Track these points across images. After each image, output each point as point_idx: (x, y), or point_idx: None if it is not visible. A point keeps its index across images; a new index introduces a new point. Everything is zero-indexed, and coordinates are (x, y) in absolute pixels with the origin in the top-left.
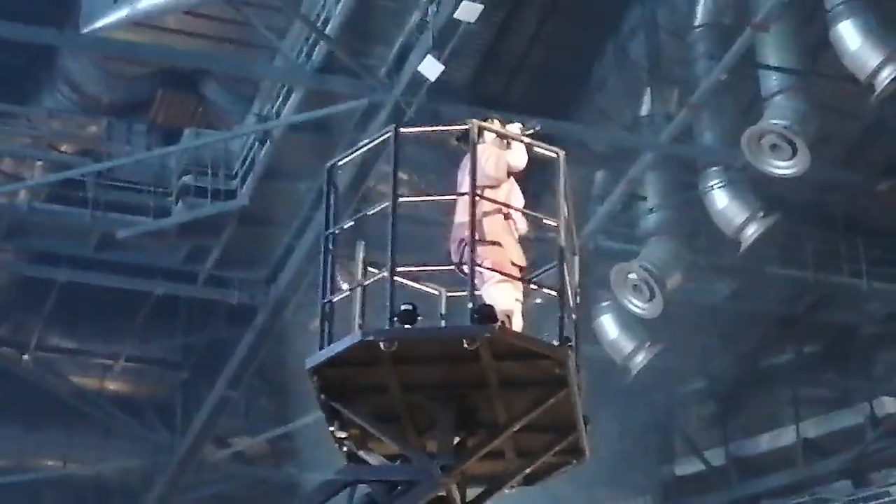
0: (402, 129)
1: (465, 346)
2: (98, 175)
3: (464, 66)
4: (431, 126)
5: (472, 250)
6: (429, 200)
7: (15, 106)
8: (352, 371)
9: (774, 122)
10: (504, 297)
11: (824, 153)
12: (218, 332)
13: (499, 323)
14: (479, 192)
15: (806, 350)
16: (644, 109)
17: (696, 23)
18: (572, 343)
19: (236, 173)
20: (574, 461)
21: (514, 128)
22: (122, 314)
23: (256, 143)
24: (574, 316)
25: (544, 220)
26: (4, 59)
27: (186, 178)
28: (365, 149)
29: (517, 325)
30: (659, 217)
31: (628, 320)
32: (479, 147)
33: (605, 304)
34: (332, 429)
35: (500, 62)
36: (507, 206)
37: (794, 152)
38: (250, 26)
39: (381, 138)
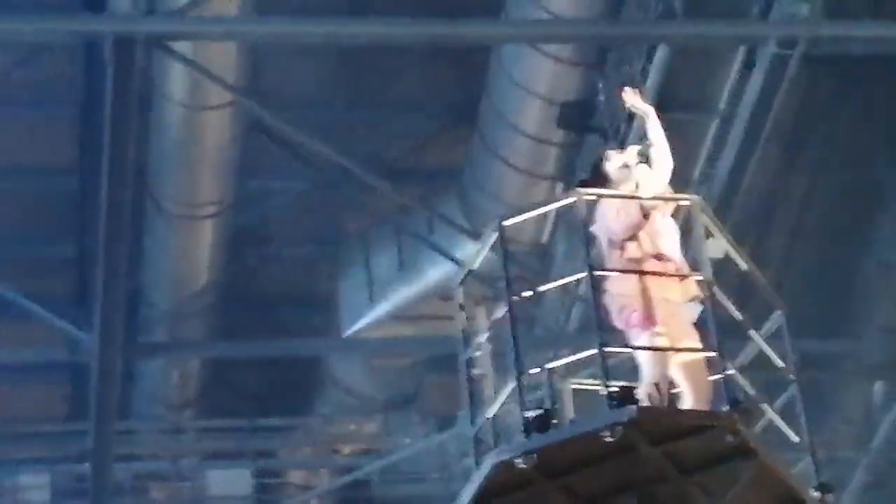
0: (505, 223)
1: (607, 439)
2: (382, 472)
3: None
4: (536, 209)
5: (600, 333)
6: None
7: (293, 418)
8: (518, 498)
9: None
10: (651, 363)
11: None
12: None
13: (638, 403)
14: (616, 246)
15: None
16: None
17: None
18: (744, 404)
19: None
20: None
21: (632, 152)
22: None
23: None
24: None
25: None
26: (277, 375)
27: (467, 461)
28: (473, 265)
29: (693, 382)
30: None
31: None
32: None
33: None
34: None
35: (755, 290)
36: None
37: None
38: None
39: (490, 241)
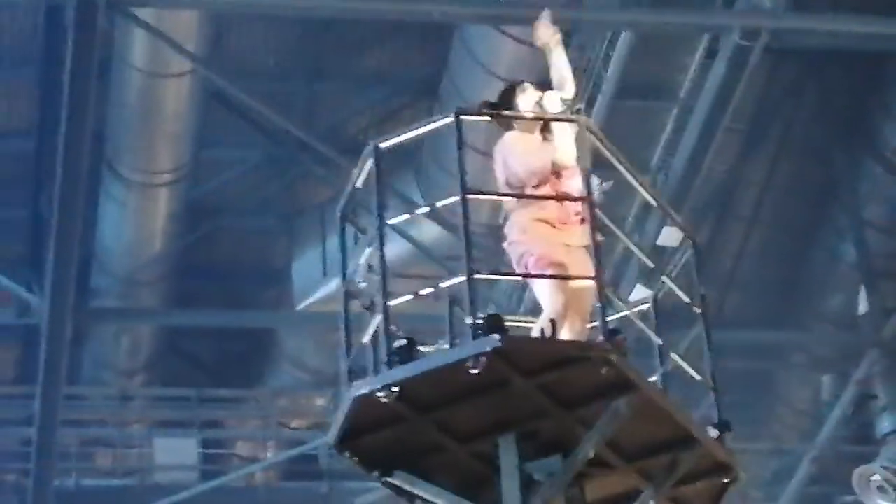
0: (381, 145)
1: (470, 370)
2: (330, 447)
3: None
4: (412, 131)
5: (469, 259)
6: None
7: (242, 390)
8: (389, 434)
9: None
10: (549, 298)
11: None
12: None
13: (503, 332)
14: (518, 191)
15: None
16: (861, 308)
17: None
18: (622, 335)
19: None
20: (727, 481)
21: (554, 97)
22: None
23: None
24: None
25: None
26: (227, 346)
27: None
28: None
29: (574, 316)
30: (894, 414)
31: None
32: (508, 136)
33: None
34: None
35: (709, 279)
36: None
37: None
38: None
39: (367, 165)
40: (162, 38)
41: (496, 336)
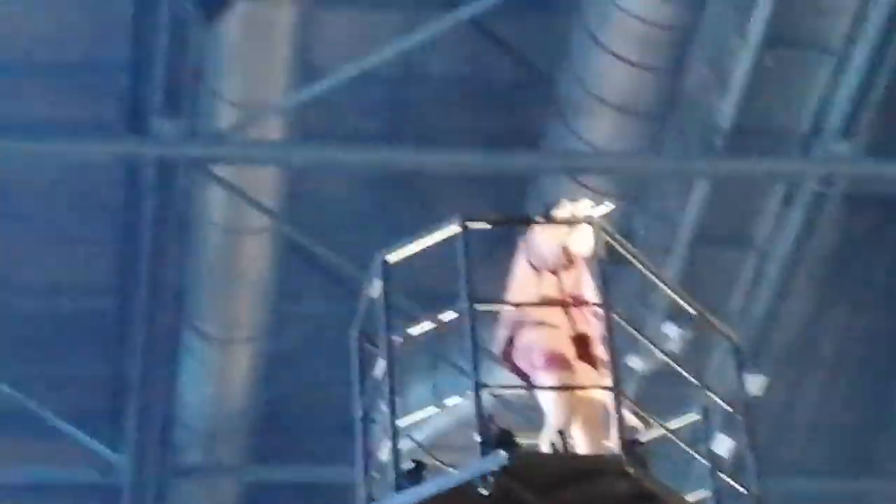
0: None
1: (482, 493)
2: None
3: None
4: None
5: (475, 371)
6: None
7: None
8: None
9: None
10: (556, 408)
11: None
12: None
13: (512, 448)
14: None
15: None
16: None
17: None
18: (638, 445)
19: None
20: None
21: (585, 206)
22: None
23: None
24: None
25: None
26: (313, 501)
27: None
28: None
29: (588, 427)
30: None
31: None
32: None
33: None
34: None
35: (793, 427)
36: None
37: None
38: None
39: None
40: (241, 196)
41: (503, 453)
